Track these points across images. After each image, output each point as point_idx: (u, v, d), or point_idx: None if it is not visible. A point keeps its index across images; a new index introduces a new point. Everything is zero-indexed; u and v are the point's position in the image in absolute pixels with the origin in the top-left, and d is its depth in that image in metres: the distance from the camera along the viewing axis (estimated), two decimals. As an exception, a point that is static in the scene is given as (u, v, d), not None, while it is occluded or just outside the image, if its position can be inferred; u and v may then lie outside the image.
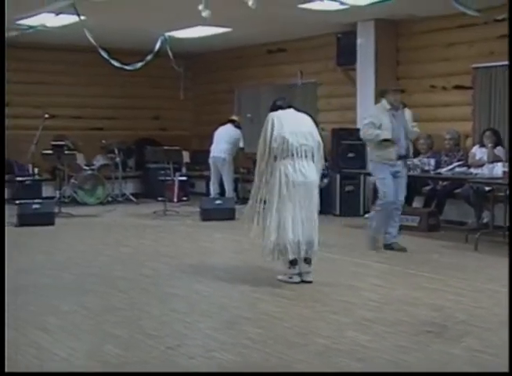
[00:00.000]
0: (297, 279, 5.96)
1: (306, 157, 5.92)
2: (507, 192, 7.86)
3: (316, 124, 6.38)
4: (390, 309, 5.13)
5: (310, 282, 5.95)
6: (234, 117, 11.95)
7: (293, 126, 5.93)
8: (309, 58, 12.13)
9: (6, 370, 3.74)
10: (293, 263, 5.94)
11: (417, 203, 9.85)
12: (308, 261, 5.99)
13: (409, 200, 9.84)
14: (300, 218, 5.87)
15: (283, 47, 12.73)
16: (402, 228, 8.97)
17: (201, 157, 13.44)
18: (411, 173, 8.95)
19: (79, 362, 3.94)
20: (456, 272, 6.46)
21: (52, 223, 9.52)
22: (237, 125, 11.78)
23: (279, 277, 6.03)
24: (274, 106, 6.16)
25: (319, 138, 6.06)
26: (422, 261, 7.07)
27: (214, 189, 11.61)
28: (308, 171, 5.92)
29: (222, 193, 11.48)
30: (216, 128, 11.78)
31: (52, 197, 11.58)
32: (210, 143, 11.71)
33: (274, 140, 5.85)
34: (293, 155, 5.86)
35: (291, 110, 6.14)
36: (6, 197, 11.95)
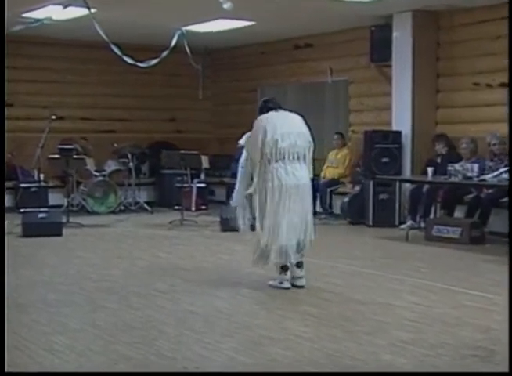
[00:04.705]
0: (287, 284, 6.32)
1: (298, 158, 6.31)
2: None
3: (308, 126, 6.60)
4: (429, 330, 5.10)
5: (302, 287, 6.34)
6: None
7: (284, 128, 6.29)
8: (340, 54, 12.14)
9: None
10: (284, 269, 6.32)
11: (459, 213, 9.79)
12: (299, 265, 6.38)
13: (450, 209, 9.83)
14: (293, 223, 6.23)
15: (311, 42, 12.74)
16: (442, 240, 8.96)
17: (221, 161, 13.49)
18: (452, 180, 8.95)
19: (89, 385, 3.97)
20: (502, 290, 6.39)
21: (59, 234, 9.58)
22: None
23: (270, 282, 6.43)
24: (264, 108, 6.54)
25: (310, 138, 6.44)
26: (464, 276, 7.03)
27: None
28: (301, 174, 6.31)
29: None
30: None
31: (60, 206, 11.66)
32: (232, 147, 11.68)
33: (267, 144, 6.21)
34: (284, 158, 6.25)
35: (282, 112, 6.53)
36: (10, 205, 12.07)
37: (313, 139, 6.52)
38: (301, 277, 6.40)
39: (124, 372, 3.88)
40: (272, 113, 6.44)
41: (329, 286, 6.48)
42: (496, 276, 7.09)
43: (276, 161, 6.23)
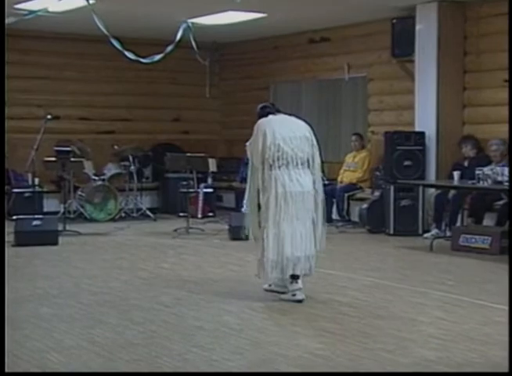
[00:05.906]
0: (300, 296, 6.36)
1: (302, 164, 6.43)
2: None
3: (313, 129, 6.67)
4: (456, 348, 5.08)
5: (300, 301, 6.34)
6: None
7: (286, 132, 6.42)
8: (358, 48, 12.14)
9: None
10: (294, 277, 6.37)
11: (488, 220, 9.77)
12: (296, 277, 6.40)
13: (478, 217, 9.79)
14: (299, 232, 6.33)
15: (328, 35, 12.75)
16: (469, 250, 8.91)
17: (230, 165, 13.51)
18: (480, 185, 8.91)
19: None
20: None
21: (55, 243, 9.60)
22: None
23: (282, 296, 6.45)
24: (263, 113, 6.66)
25: (314, 142, 6.53)
26: (494, 290, 7.00)
27: None
28: (305, 180, 6.41)
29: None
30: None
31: (56, 213, 11.69)
32: (242, 149, 11.70)
33: (268, 149, 6.32)
34: (288, 163, 6.35)
35: (281, 115, 6.66)
36: (2, 211, 12.11)
37: (318, 143, 6.61)
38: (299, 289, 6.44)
39: (124, 372, 3.89)
40: (271, 117, 6.57)
41: (347, 299, 6.47)
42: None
43: (279, 167, 6.33)
